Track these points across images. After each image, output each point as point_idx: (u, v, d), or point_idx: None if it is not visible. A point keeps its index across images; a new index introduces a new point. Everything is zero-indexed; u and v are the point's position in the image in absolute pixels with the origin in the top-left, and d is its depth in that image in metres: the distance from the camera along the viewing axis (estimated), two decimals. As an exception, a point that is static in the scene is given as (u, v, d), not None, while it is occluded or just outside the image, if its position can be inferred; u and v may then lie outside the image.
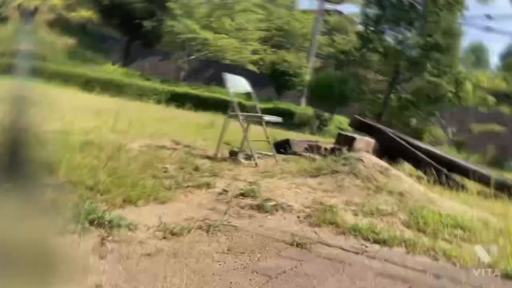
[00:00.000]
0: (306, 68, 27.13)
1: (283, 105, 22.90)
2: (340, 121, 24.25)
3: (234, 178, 3.61)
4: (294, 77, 25.57)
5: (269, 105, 22.63)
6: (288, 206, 2.89)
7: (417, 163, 5.75)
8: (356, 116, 6.45)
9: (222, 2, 26.41)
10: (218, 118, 8.69)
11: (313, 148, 5.62)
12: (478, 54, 36.62)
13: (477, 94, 19.62)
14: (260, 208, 2.79)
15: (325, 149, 5.78)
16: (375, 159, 4.10)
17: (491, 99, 20.40)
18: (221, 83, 27.72)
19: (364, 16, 19.55)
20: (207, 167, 3.81)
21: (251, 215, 2.70)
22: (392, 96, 19.17)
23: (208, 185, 3.15)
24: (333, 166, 3.93)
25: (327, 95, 18.71)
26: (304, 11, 38.31)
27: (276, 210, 2.80)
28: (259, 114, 4.38)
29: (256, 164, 4.15)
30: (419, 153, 5.75)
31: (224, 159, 4.38)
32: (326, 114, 20.27)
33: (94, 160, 3.03)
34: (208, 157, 4.30)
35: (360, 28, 20.76)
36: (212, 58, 26.60)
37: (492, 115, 20.92)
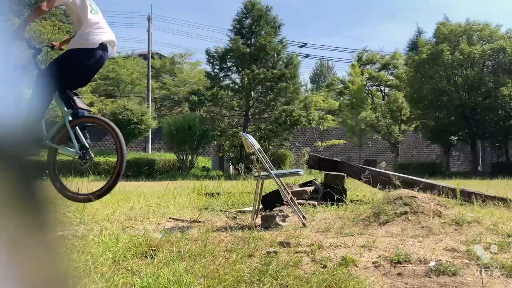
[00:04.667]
0: (149, 113, 26.32)
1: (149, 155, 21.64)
2: (201, 162, 23.98)
3: (321, 246, 2.96)
4: (139, 124, 24.59)
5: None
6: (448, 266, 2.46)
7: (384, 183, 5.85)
8: (315, 154, 6.27)
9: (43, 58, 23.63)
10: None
11: (298, 194, 5.20)
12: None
13: (318, 114, 21.74)
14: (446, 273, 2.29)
15: (311, 191, 5.42)
16: (419, 194, 3.94)
17: (329, 118, 22.85)
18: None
19: (208, 56, 19.83)
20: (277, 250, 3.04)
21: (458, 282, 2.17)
22: (249, 128, 19.77)
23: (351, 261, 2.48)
24: (390, 209, 3.61)
25: (190, 137, 18.27)
26: (126, 57, 37.20)
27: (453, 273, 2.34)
28: (292, 170, 3.80)
29: (304, 224, 3.54)
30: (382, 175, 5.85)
31: (256, 226, 3.63)
32: (190, 157, 19.79)
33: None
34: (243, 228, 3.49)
35: (207, 68, 21.03)
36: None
37: (332, 131, 23.46)
